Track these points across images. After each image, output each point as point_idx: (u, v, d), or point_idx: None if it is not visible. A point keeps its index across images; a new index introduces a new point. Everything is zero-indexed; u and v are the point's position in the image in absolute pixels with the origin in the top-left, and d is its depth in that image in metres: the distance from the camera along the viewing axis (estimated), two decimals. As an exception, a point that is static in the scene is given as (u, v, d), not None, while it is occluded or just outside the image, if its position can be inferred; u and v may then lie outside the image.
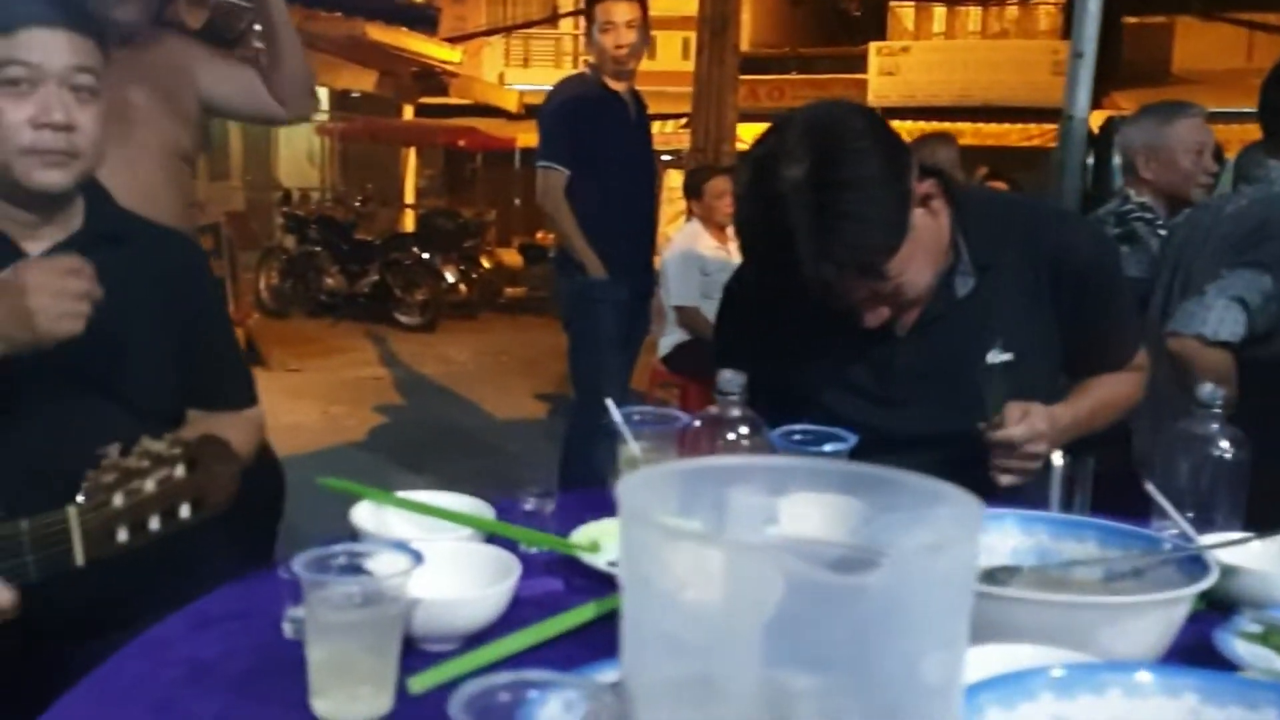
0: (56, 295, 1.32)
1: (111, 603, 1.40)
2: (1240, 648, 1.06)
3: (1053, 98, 4.18)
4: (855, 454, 1.42)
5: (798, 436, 1.40)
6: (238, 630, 1.16)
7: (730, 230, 5.09)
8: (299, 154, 15.87)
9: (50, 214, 1.53)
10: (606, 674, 0.98)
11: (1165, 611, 1.03)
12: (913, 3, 17.72)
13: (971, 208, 1.65)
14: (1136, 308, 2.00)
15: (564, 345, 4.11)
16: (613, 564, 1.30)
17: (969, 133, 13.83)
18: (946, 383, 1.65)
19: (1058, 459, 1.38)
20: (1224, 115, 4.84)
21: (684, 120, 8.08)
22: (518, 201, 15.47)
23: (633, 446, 1.51)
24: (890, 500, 0.74)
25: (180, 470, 1.20)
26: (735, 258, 5.00)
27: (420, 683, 1.03)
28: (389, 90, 13.32)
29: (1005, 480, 1.53)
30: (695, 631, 0.64)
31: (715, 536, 0.68)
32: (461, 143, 14.36)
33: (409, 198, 15.03)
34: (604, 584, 1.28)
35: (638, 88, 4.00)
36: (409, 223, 13.92)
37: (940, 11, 17.66)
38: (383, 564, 1.06)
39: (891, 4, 17.70)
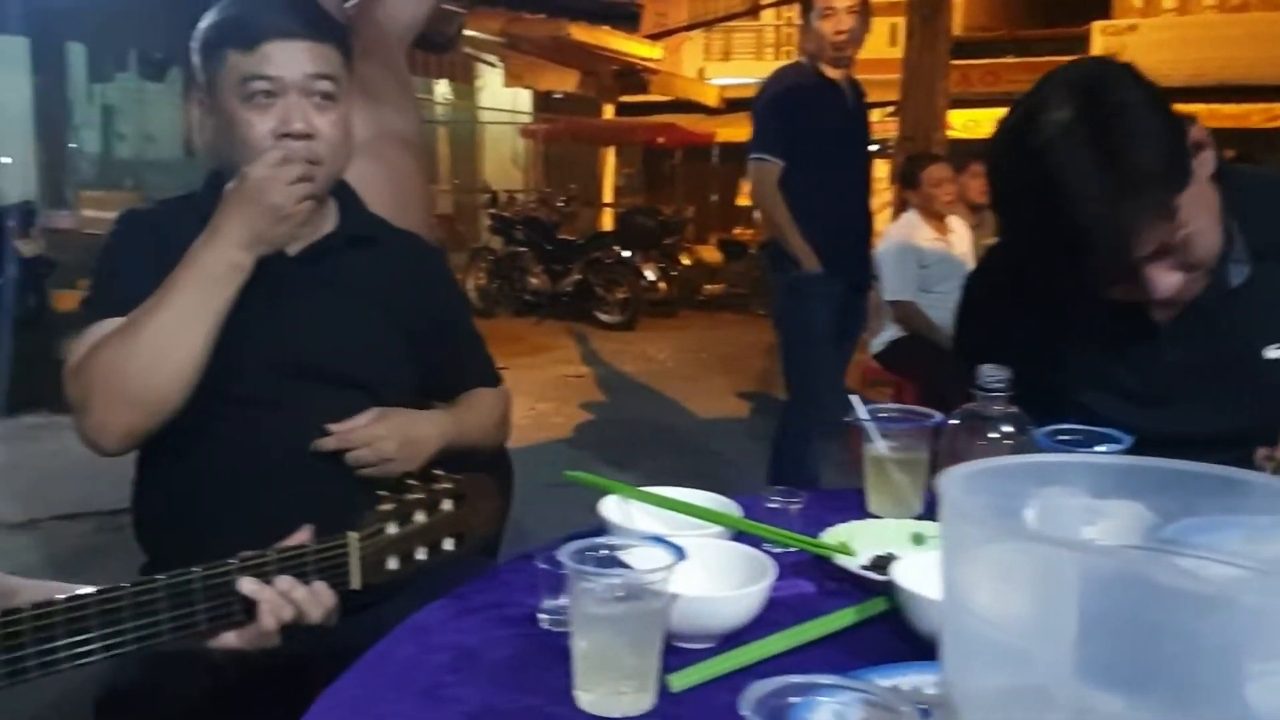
0: (287, 184, 1.46)
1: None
2: None
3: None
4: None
5: (1065, 437, 1.31)
6: (496, 619, 1.17)
7: (949, 220, 4.92)
8: (503, 156, 16.32)
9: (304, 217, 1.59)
10: (888, 679, 0.94)
11: None
12: (1142, -22, 16.75)
13: (1245, 187, 1.50)
14: None
15: (765, 342, 4.07)
16: (866, 567, 1.25)
17: (1204, 115, 12.89)
18: (1218, 380, 1.51)
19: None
20: None
21: (891, 108, 7.87)
22: (715, 197, 15.46)
23: (879, 446, 1.45)
24: (1232, 503, 0.67)
25: (448, 505, 1.24)
26: (955, 249, 4.84)
27: (681, 680, 1.01)
28: (591, 90, 13.55)
29: None
30: (1019, 638, 0.59)
31: (1069, 540, 0.62)
32: (661, 140, 14.48)
33: (607, 196, 15.24)
34: (857, 588, 1.23)
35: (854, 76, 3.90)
36: (607, 221, 14.12)
37: (1173, -15, 16.60)
38: (643, 558, 1.04)
39: (1117, -20, 16.79)
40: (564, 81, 12.76)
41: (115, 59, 10.30)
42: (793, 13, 16.51)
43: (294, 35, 1.51)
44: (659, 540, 1.06)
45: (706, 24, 14.64)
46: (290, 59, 1.50)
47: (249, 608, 1.13)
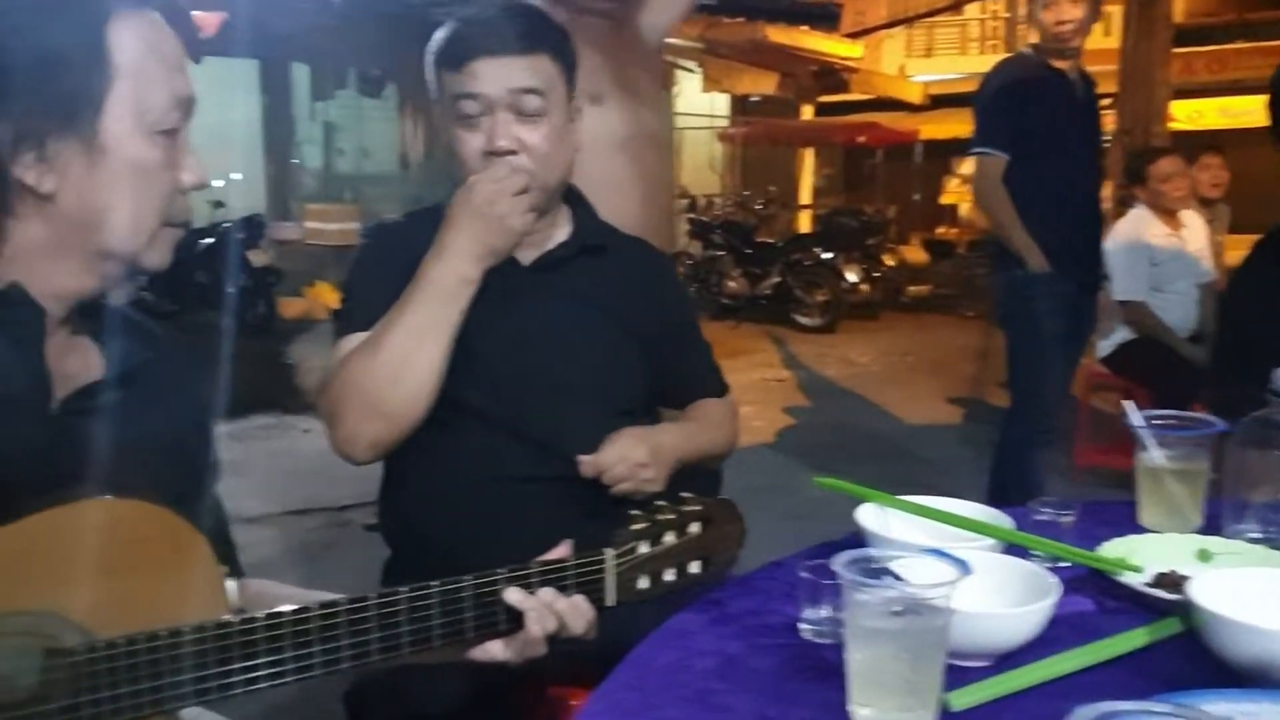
0: (512, 197, 1.49)
1: None
2: None
3: None
4: None
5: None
6: (756, 627, 1.14)
7: (1182, 215, 4.64)
8: (700, 161, 16.37)
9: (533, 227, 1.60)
10: (1198, 705, 0.86)
11: None
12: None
13: None
14: None
15: (975, 345, 3.90)
16: (1151, 584, 1.16)
17: None
18: None
19: None
20: None
21: (1108, 101, 7.48)
22: (918, 196, 15.09)
23: (1155, 455, 1.35)
24: None
25: (696, 527, 1.23)
26: (1189, 246, 4.55)
27: (962, 699, 0.96)
28: (789, 92, 13.44)
29: None
30: None
31: None
32: (861, 139, 14.23)
33: (805, 198, 15.08)
34: (1141, 606, 1.15)
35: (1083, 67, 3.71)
36: (805, 223, 13.97)
37: None
38: (918, 571, 1.00)
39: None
40: (762, 84, 12.69)
41: (335, 77, 10.88)
42: (999, 5, 15.98)
43: (498, 52, 1.52)
44: (938, 553, 1.01)
45: (907, 20, 14.26)
46: (495, 76, 1.51)
47: (513, 618, 1.14)
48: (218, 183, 10.85)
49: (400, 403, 1.47)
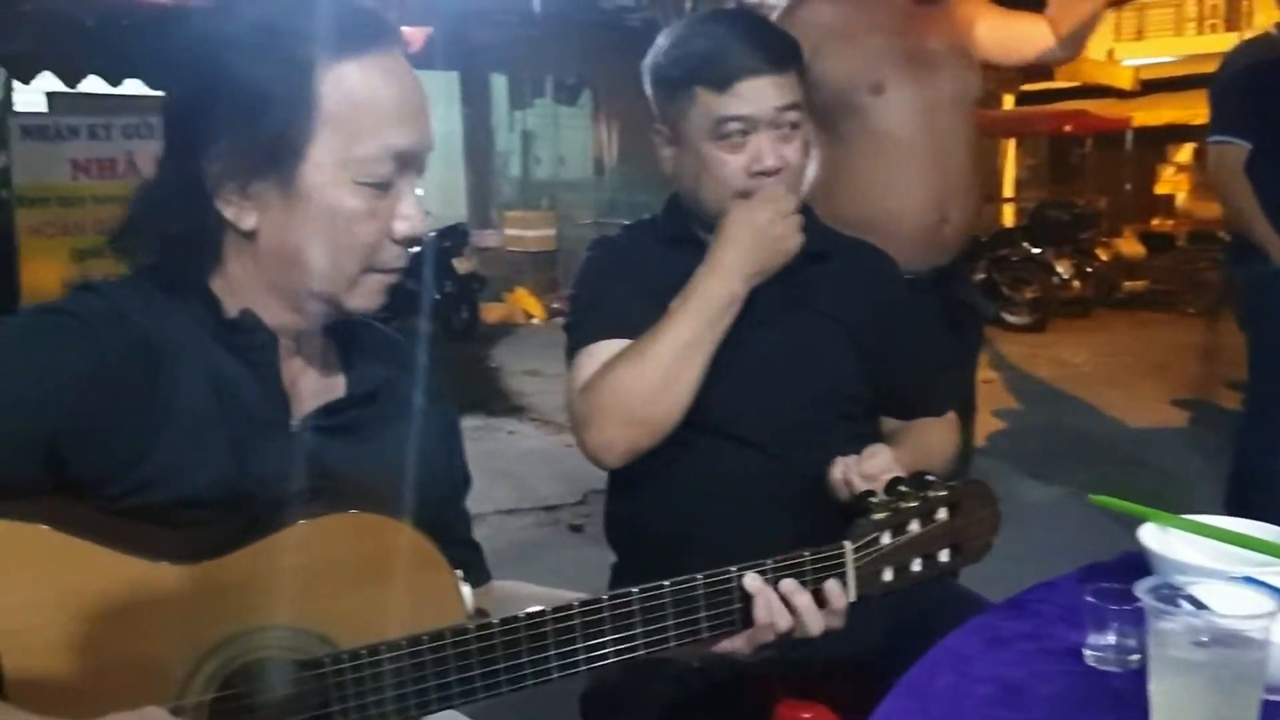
0: (786, 219, 1.51)
1: None
2: None
3: None
4: None
5: None
6: (1034, 651, 1.09)
7: None
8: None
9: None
10: None
11: None
12: None
13: None
14: None
15: (1199, 344, 3.65)
16: None
17: None
18: None
19: None
20: None
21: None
22: (1129, 186, 14.33)
23: None
24: None
25: (943, 514, 1.18)
26: None
27: (1281, 740, 0.88)
28: (990, 82, 12.97)
29: None
30: None
31: None
32: (1068, 127, 13.60)
33: (1008, 191, 14.53)
34: None
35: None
36: (1008, 217, 13.47)
37: None
38: (1222, 598, 0.93)
39: None
40: (964, 74, 12.28)
41: (533, 87, 11.15)
42: (1218, -19, 15.03)
43: (764, 71, 1.51)
44: (1250, 580, 0.93)
45: (1117, 2, 13.65)
46: (762, 96, 1.50)
47: (746, 618, 1.11)
48: (419, 190, 11.29)
49: (664, 414, 1.48)
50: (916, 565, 1.16)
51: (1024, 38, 2.54)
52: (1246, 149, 3.37)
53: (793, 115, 1.53)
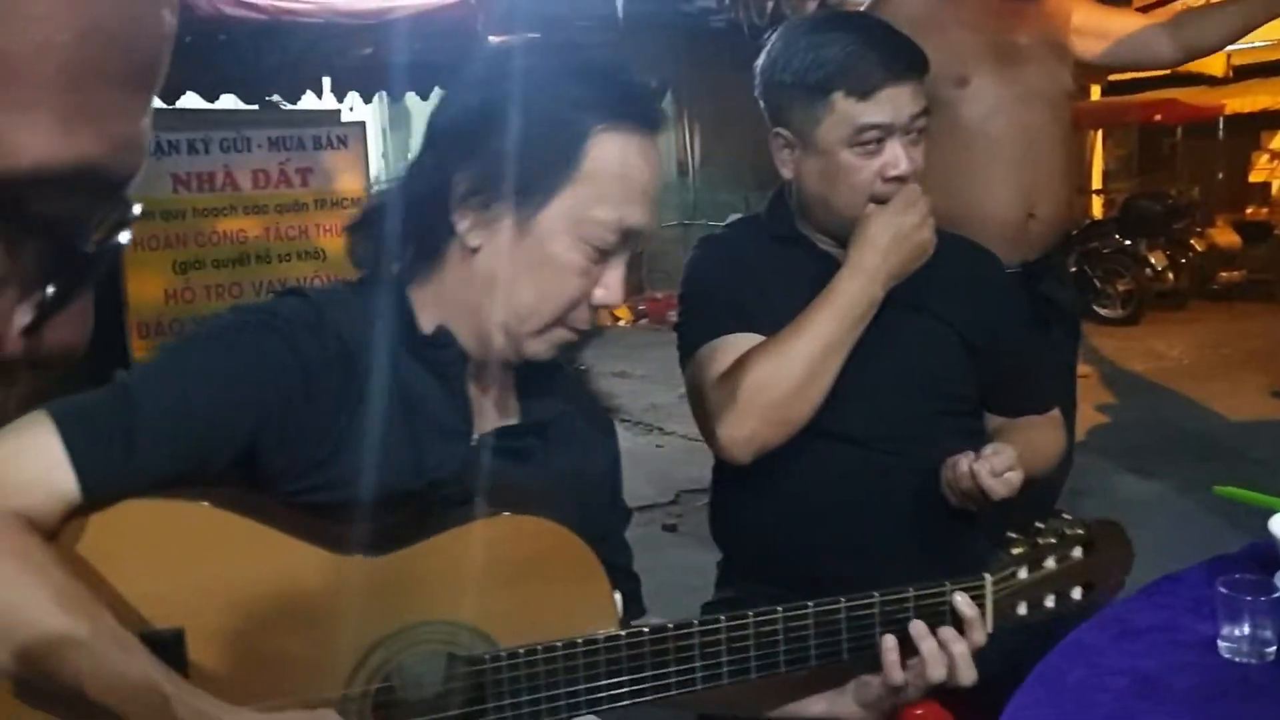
0: (927, 222, 1.53)
1: None
2: None
3: None
4: None
5: None
6: (1166, 644, 1.09)
7: None
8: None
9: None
10: None
11: None
12: None
13: None
14: None
15: None
16: None
17: None
18: None
19: None
20: None
21: None
22: (1222, 175, 13.92)
23: None
24: None
25: (1078, 552, 1.19)
26: None
27: None
28: (1076, 74, 12.71)
29: None
30: None
31: None
32: (1158, 117, 13.26)
33: (1095, 182, 14.21)
34: None
35: None
36: (1097, 208, 13.17)
37: None
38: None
39: None
40: (1047, 65, 12.03)
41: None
42: (1316, -40, 14.51)
43: (904, 79, 1.52)
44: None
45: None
46: (901, 103, 1.51)
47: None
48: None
49: (802, 412, 1.50)
50: (1050, 601, 1.18)
51: (1133, 45, 2.51)
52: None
53: (923, 121, 1.54)
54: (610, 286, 1.11)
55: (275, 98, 6.05)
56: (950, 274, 1.64)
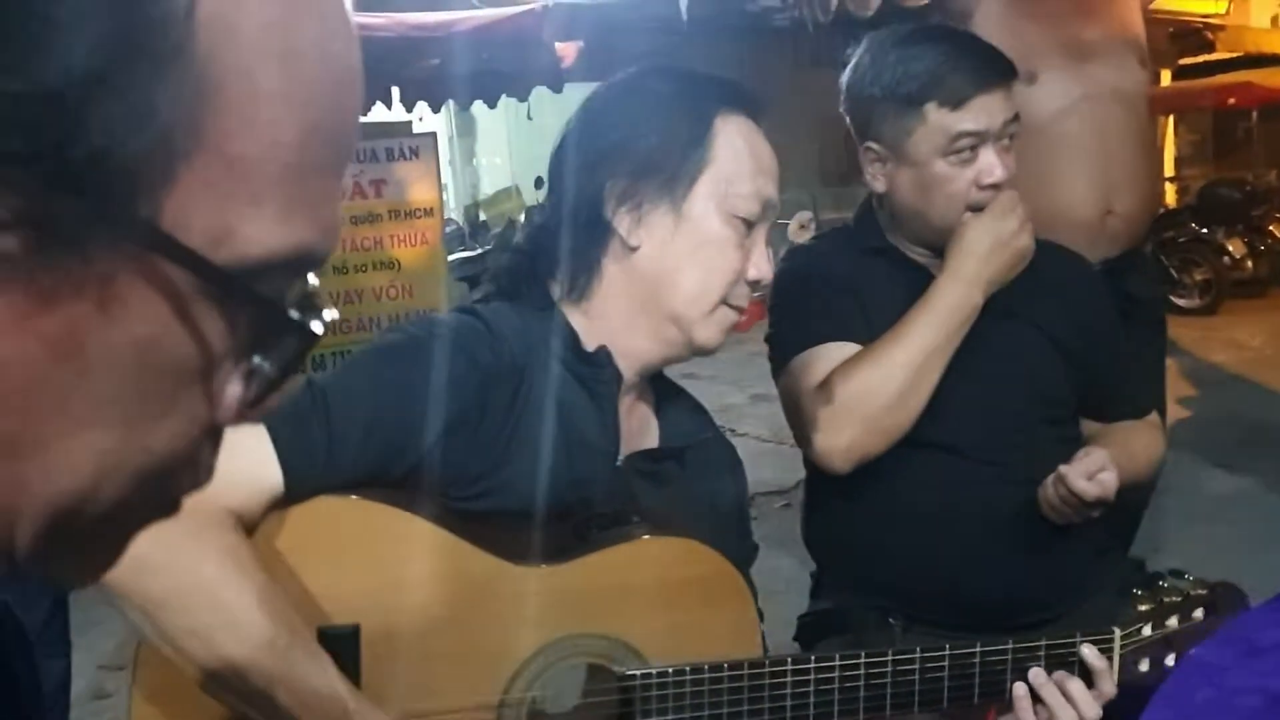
0: (1026, 227, 1.52)
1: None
2: None
3: None
4: None
5: None
6: (1293, 662, 1.07)
7: None
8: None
9: None
10: None
11: None
12: None
13: None
14: None
15: None
16: None
17: None
18: None
19: None
20: None
21: None
22: (1299, 159, 13.57)
23: None
24: None
25: (1200, 613, 1.20)
26: None
27: None
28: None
29: None
30: None
31: None
32: (1232, 100, 12.95)
33: (1168, 169, 13.93)
34: None
35: None
36: (1170, 196, 12.91)
37: None
38: None
39: None
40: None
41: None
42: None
43: (995, 86, 1.52)
44: None
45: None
46: (994, 111, 1.51)
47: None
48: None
49: (902, 421, 1.49)
50: (1170, 660, 1.19)
51: None
52: None
53: (1015, 127, 1.54)
54: (761, 264, 1.20)
55: (348, 111, 6.16)
56: (1041, 279, 1.62)
